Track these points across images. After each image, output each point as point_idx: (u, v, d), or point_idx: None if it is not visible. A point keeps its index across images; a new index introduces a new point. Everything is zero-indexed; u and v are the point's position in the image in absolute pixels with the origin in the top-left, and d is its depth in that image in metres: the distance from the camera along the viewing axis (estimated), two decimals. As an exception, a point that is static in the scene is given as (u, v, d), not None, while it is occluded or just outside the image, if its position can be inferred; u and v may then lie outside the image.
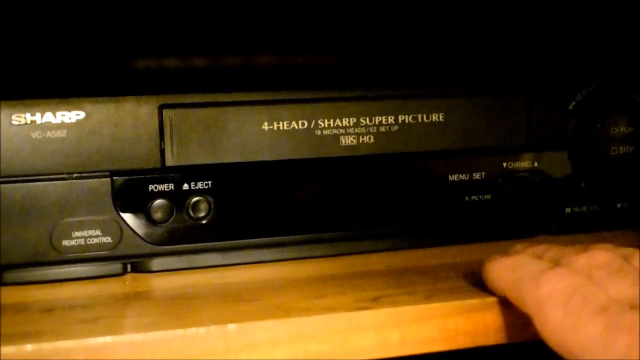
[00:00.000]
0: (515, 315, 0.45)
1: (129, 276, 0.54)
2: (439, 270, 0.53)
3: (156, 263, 0.54)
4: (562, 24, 0.83)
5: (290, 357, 0.43)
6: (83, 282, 0.53)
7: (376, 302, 0.46)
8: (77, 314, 0.47)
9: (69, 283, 0.52)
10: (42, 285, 0.52)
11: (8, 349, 0.40)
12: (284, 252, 0.56)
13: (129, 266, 0.54)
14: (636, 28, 0.77)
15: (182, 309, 0.46)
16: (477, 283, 0.48)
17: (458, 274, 0.51)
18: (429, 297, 0.46)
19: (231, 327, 0.43)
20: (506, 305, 0.45)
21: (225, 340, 0.42)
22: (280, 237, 0.56)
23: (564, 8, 0.81)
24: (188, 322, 0.43)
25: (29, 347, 0.41)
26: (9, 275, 0.52)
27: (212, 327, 0.42)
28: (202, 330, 0.42)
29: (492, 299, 0.46)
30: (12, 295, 0.50)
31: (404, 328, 0.44)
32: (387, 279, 0.51)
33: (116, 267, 0.53)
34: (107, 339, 0.41)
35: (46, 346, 0.41)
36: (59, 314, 0.47)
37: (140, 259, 0.54)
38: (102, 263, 0.53)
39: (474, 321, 0.45)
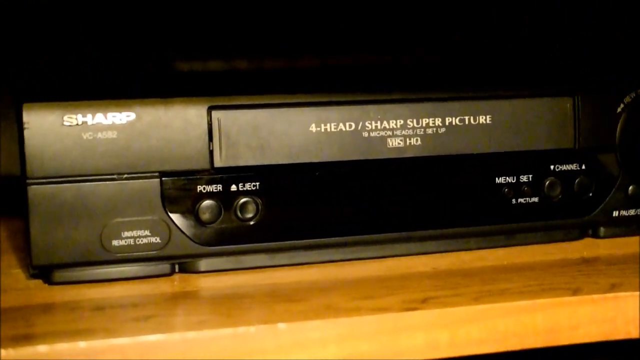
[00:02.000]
0: (565, 318, 0.45)
1: (176, 276, 0.54)
2: (485, 272, 0.53)
3: (204, 263, 0.55)
4: (612, 25, 0.83)
5: (340, 356, 0.44)
6: (131, 281, 0.53)
7: (425, 303, 0.46)
8: (128, 312, 0.47)
9: (117, 283, 0.53)
10: (92, 285, 0.53)
11: (61, 346, 0.41)
12: (331, 254, 0.56)
13: (176, 266, 0.55)
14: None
15: (232, 308, 0.47)
16: (526, 285, 0.48)
17: (506, 276, 0.51)
18: (477, 299, 0.46)
19: (281, 326, 0.43)
20: (556, 307, 0.45)
21: (276, 339, 0.43)
22: (326, 239, 0.56)
23: (612, 10, 0.81)
24: (238, 321, 0.44)
25: (82, 345, 0.42)
26: (59, 275, 0.53)
27: (263, 326, 0.43)
28: (252, 329, 0.43)
29: (542, 301, 0.46)
30: (63, 294, 0.51)
31: (453, 329, 0.45)
32: (434, 281, 0.52)
33: (164, 267, 0.54)
34: (159, 336, 0.42)
35: (99, 343, 0.42)
36: (110, 312, 0.47)
37: (188, 260, 0.54)
38: (151, 263, 0.53)
39: (523, 323, 0.46)
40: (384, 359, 0.44)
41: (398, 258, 0.57)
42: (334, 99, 0.55)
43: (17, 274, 0.56)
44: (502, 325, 0.45)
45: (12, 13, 0.75)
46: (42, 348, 0.41)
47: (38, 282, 0.54)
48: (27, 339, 0.42)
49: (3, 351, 0.40)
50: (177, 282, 0.54)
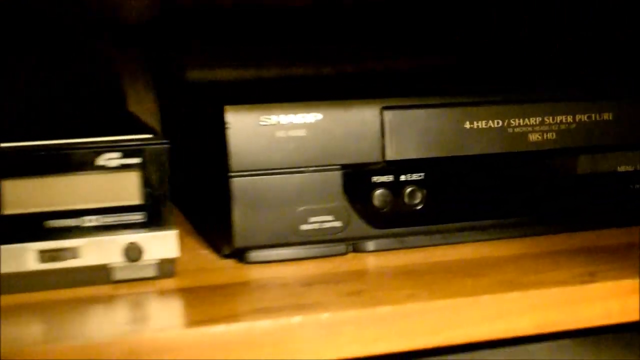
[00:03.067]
0: None
1: (349, 255, 0.62)
2: (629, 249, 0.60)
3: (373, 244, 0.62)
4: None
5: (533, 326, 0.51)
6: (308, 261, 0.60)
7: (593, 276, 0.53)
8: (336, 287, 0.54)
9: (299, 262, 0.60)
10: (279, 264, 0.60)
11: (276, 322, 0.47)
12: (481, 235, 0.64)
13: (350, 247, 0.62)
14: None
15: (427, 283, 0.53)
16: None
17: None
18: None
19: (485, 298, 0.50)
20: None
21: (481, 310, 0.50)
22: (479, 222, 0.63)
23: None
24: (442, 294, 0.51)
25: (297, 320, 0.48)
26: (255, 255, 0.59)
27: (468, 299, 0.50)
28: (460, 300, 0.50)
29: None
30: (260, 272, 0.58)
31: (623, 299, 0.52)
32: (588, 257, 0.58)
33: (341, 248, 0.61)
34: (386, 308, 0.49)
35: (336, 316, 0.49)
36: (318, 288, 0.54)
37: (361, 241, 0.61)
38: (331, 244, 0.60)
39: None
40: (568, 328, 0.52)
41: (537, 237, 0.64)
42: (485, 99, 0.62)
43: (206, 255, 0.63)
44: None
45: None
46: (263, 323, 0.47)
47: (231, 262, 0.60)
48: (254, 313, 0.48)
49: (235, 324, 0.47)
50: (354, 261, 0.61)
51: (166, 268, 0.56)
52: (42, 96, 0.86)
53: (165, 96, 0.83)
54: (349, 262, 0.59)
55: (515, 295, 0.50)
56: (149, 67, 0.87)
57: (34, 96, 0.85)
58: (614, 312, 0.51)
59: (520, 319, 0.50)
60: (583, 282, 0.51)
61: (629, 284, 0.51)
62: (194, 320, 0.47)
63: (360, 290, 0.52)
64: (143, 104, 0.87)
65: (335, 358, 0.48)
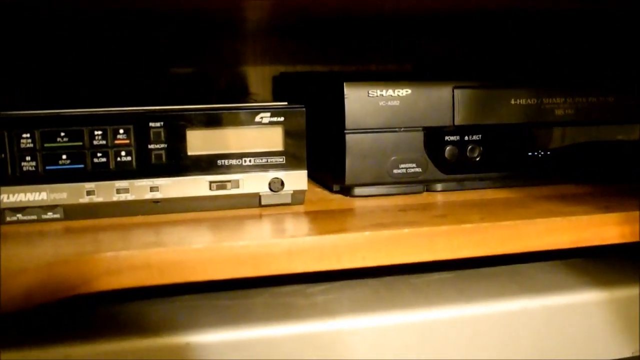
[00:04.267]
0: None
1: (424, 194, 0.82)
2: (629, 194, 0.79)
3: (442, 185, 0.82)
4: None
5: (568, 241, 0.69)
6: (398, 197, 0.81)
7: (608, 208, 0.72)
8: (426, 212, 0.73)
9: (389, 197, 0.81)
10: (373, 198, 0.79)
11: (390, 232, 0.65)
12: (523, 181, 0.83)
13: (425, 188, 0.83)
14: None
15: (493, 211, 0.73)
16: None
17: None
18: None
19: (539, 220, 0.70)
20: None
21: (535, 228, 0.67)
22: (520, 171, 0.83)
23: None
24: (504, 218, 0.69)
25: (406, 231, 0.66)
26: (358, 190, 0.80)
27: (524, 221, 0.70)
28: (519, 222, 0.70)
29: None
30: (364, 203, 0.77)
31: (633, 225, 0.71)
32: (602, 197, 0.77)
33: (420, 187, 0.80)
34: (468, 226, 0.69)
35: (423, 230, 0.67)
36: (412, 213, 0.72)
37: (434, 183, 0.82)
38: (413, 185, 0.81)
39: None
40: (593, 244, 0.71)
41: (558, 185, 0.86)
42: (524, 84, 0.84)
43: (321, 192, 0.81)
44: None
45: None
46: (374, 234, 0.64)
47: (340, 196, 0.79)
48: (371, 226, 0.65)
49: (356, 234, 0.64)
50: (429, 197, 0.80)
51: (298, 197, 0.75)
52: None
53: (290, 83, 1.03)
54: (426, 198, 0.78)
55: (557, 219, 0.67)
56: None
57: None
58: (626, 234, 0.70)
59: (562, 236, 0.67)
60: (601, 212, 0.70)
61: (635, 214, 0.72)
62: (325, 228, 0.65)
63: (444, 214, 0.70)
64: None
65: (432, 259, 0.66)
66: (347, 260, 0.64)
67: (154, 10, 0.75)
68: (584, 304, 0.70)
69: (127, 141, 0.68)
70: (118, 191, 0.68)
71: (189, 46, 1.07)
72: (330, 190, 0.79)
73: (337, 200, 0.77)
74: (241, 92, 1.09)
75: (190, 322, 0.63)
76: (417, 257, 0.66)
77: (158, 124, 0.68)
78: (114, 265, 0.59)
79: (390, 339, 0.66)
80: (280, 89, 1.05)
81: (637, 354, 0.71)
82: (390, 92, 0.75)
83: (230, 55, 1.10)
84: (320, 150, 0.81)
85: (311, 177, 0.85)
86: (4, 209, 0.66)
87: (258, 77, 1.11)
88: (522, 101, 0.79)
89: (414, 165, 0.76)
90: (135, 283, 0.60)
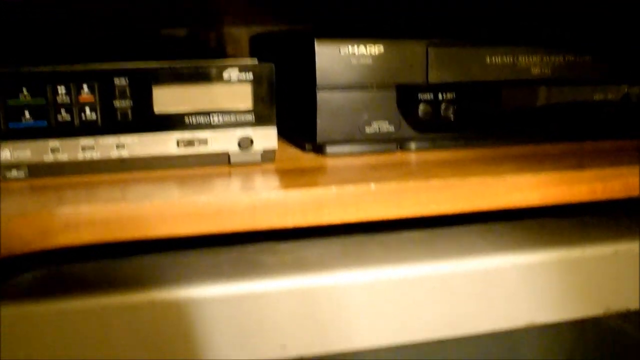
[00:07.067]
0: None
1: (398, 153, 0.79)
2: (605, 152, 0.77)
3: (415, 144, 0.79)
4: None
5: (538, 198, 0.66)
6: (370, 155, 0.78)
7: (581, 166, 0.70)
8: (395, 170, 0.71)
9: (363, 155, 0.78)
10: (345, 156, 0.77)
11: (358, 187, 0.63)
12: (496, 140, 0.81)
13: (398, 146, 0.81)
14: None
15: (463, 168, 0.70)
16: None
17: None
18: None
19: (506, 176, 0.66)
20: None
21: (504, 185, 0.65)
22: (494, 130, 0.81)
23: None
24: (474, 173, 0.67)
25: (373, 187, 0.63)
26: (330, 149, 0.77)
27: (496, 177, 0.65)
28: (508, 177, 0.66)
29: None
30: (335, 162, 0.74)
31: (605, 183, 0.70)
32: (575, 155, 0.75)
33: (393, 146, 0.77)
34: (436, 181, 0.67)
35: (391, 185, 0.65)
36: (382, 170, 0.69)
37: (407, 142, 0.79)
38: (386, 144, 0.78)
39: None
40: (565, 201, 0.69)
41: (532, 145, 0.83)
42: (499, 42, 0.81)
43: (293, 151, 0.78)
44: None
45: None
46: (341, 190, 0.62)
47: (312, 155, 0.76)
48: (340, 182, 0.63)
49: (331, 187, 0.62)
50: (402, 156, 0.77)
51: (268, 155, 0.72)
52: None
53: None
54: (399, 157, 0.75)
55: (528, 176, 0.65)
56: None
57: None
58: (598, 191, 0.68)
59: (532, 193, 0.65)
60: (572, 169, 0.68)
61: (608, 171, 0.69)
62: (291, 185, 0.63)
63: (413, 171, 0.68)
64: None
65: (399, 215, 0.64)
66: (313, 217, 0.62)
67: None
68: (556, 261, 0.67)
69: (92, 97, 0.65)
70: (83, 148, 0.66)
71: (177, 7, 1.03)
72: (303, 149, 0.77)
73: (308, 159, 0.75)
74: (221, 54, 1.06)
75: (156, 279, 0.61)
76: (384, 213, 0.64)
77: (123, 80, 0.65)
78: (72, 220, 0.57)
79: (361, 296, 0.63)
80: (256, 49, 1.02)
81: (608, 312, 0.68)
82: (362, 49, 0.72)
83: (215, 17, 1.06)
84: (294, 110, 0.78)
85: (285, 137, 0.83)
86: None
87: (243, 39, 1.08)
88: (497, 59, 0.76)
89: (387, 123, 0.74)
90: (94, 239, 0.58)
